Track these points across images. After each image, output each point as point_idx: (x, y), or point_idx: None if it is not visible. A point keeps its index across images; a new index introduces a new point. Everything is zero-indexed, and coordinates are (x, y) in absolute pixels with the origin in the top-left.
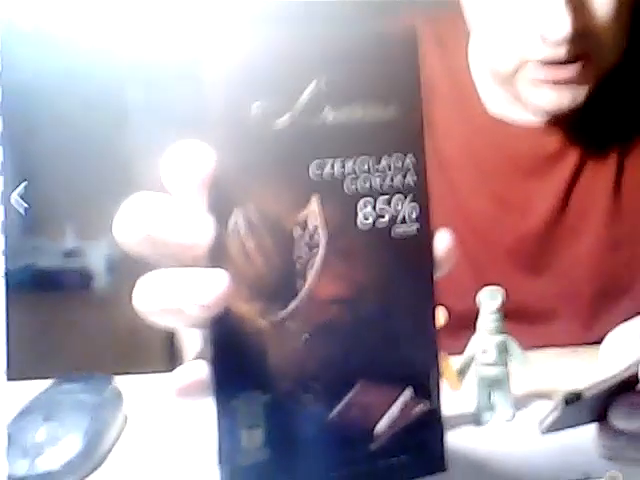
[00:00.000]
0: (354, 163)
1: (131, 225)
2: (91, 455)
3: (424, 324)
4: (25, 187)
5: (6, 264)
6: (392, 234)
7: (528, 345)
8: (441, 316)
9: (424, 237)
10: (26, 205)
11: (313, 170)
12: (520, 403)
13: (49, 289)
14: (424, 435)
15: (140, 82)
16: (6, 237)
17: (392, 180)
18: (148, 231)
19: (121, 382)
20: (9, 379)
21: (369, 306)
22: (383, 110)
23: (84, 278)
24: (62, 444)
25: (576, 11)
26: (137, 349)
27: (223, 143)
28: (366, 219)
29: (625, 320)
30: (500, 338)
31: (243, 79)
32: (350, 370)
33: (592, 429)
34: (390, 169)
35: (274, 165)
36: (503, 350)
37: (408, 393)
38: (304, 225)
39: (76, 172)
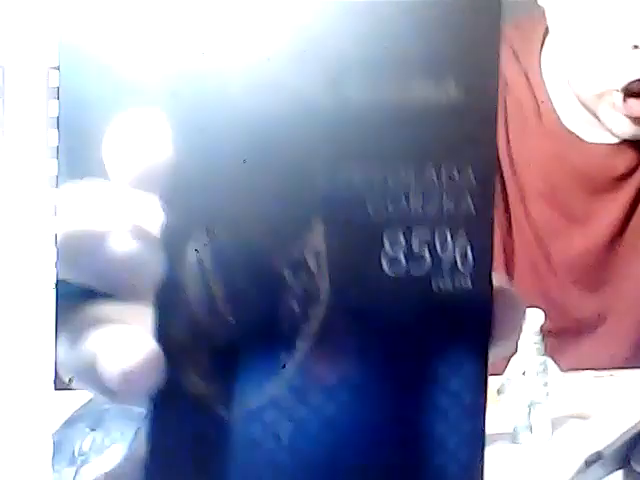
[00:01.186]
0: (382, 170)
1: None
2: (136, 465)
3: (472, 419)
4: None
5: (57, 275)
6: (433, 287)
7: (568, 363)
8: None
9: (480, 296)
10: None
11: (319, 180)
12: (557, 424)
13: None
14: None
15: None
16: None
17: (440, 204)
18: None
19: None
20: (57, 388)
21: (388, 402)
22: (438, 88)
23: None
24: (107, 453)
25: None
26: None
27: (186, 129)
28: (393, 259)
29: None
30: (540, 359)
31: None
32: None
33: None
34: (438, 185)
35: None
36: (542, 371)
37: None
38: (300, 265)
39: None
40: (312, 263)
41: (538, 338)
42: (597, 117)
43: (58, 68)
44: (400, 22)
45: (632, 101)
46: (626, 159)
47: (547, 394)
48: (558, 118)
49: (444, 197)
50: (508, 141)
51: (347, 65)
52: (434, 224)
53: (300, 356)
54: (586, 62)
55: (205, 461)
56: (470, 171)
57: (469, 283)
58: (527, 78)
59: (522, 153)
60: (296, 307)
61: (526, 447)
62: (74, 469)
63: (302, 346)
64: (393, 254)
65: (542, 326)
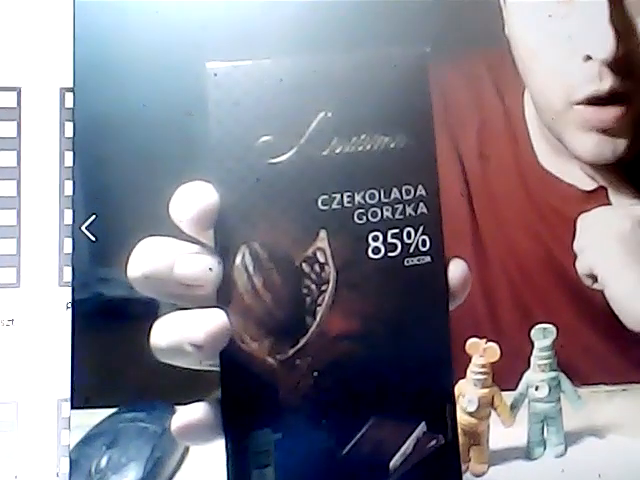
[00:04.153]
0: (363, 196)
1: (135, 268)
2: None
3: (439, 356)
4: (93, 219)
5: (73, 294)
6: (404, 264)
7: (580, 378)
8: (495, 353)
9: (437, 268)
10: (93, 238)
11: (321, 203)
12: (571, 439)
13: (114, 319)
14: (440, 470)
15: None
16: (73, 268)
17: (403, 212)
18: (151, 272)
19: None
20: (73, 407)
21: (382, 340)
22: (393, 140)
23: (149, 308)
24: (124, 471)
25: (621, 34)
26: (200, 378)
27: (228, 179)
28: (376, 253)
29: None
30: (552, 374)
31: (248, 114)
32: (363, 405)
33: None
34: (400, 201)
35: (281, 200)
36: (555, 386)
37: (422, 427)
38: (313, 260)
39: (144, 204)
40: (321, 257)
41: (550, 353)
42: (564, 144)
43: (73, 90)
44: (363, 99)
45: (591, 109)
46: (598, 202)
47: (560, 409)
48: (536, 157)
49: (406, 206)
50: (490, 173)
51: (332, 130)
52: (402, 224)
53: (319, 319)
54: (542, 82)
55: (259, 396)
56: (421, 188)
57: (427, 261)
58: (508, 115)
59: (502, 185)
60: (313, 287)
61: (540, 463)
62: None
63: (320, 312)
64: (375, 246)
65: (554, 341)
